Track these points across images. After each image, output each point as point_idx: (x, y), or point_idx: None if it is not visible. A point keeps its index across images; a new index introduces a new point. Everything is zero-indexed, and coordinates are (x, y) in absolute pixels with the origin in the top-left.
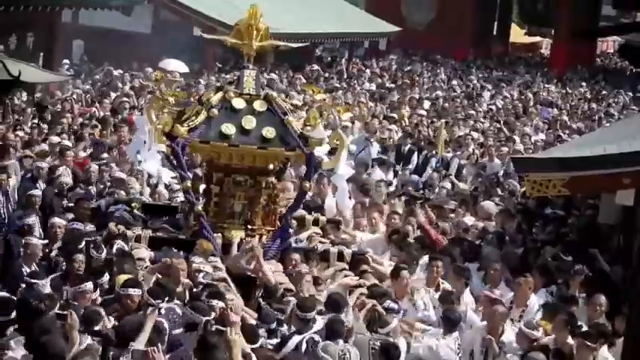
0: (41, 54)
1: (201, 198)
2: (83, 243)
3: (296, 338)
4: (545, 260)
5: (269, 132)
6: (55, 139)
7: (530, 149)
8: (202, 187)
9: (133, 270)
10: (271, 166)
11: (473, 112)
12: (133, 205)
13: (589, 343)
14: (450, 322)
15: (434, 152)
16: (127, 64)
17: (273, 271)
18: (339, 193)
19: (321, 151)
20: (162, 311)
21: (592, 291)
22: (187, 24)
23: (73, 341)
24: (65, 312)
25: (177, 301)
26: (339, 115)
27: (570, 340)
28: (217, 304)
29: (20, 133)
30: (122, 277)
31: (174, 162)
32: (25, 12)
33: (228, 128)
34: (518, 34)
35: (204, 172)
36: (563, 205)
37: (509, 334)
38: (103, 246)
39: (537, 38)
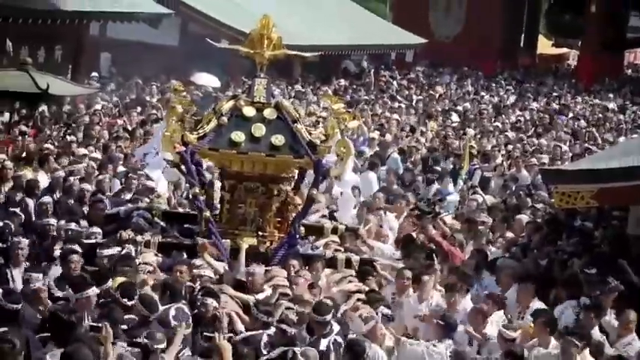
0: (69, 67)
1: (216, 204)
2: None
3: (324, 341)
4: (572, 272)
5: (278, 139)
6: (82, 150)
7: (558, 161)
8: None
9: (132, 274)
10: (284, 174)
11: (500, 124)
12: (153, 212)
13: (573, 345)
14: (447, 327)
15: (462, 165)
16: (155, 76)
17: (276, 277)
18: (343, 199)
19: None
20: (173, 312)
21: (622, 305)
22: (215, 36)
23: (108, 353)
24: (99, 324)
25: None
26: (345, 123)
27: (553, 341)
28: (211, 302)
29: (49, 146)
30: (118, 280)
31: (184, 169)
32: (53, 25)
33: (238, 136)
34: (545, 46)
35: (217, 180)
36: (592, 217)
37: (492, 328)
38: (110, 245)
39: (564, 49)
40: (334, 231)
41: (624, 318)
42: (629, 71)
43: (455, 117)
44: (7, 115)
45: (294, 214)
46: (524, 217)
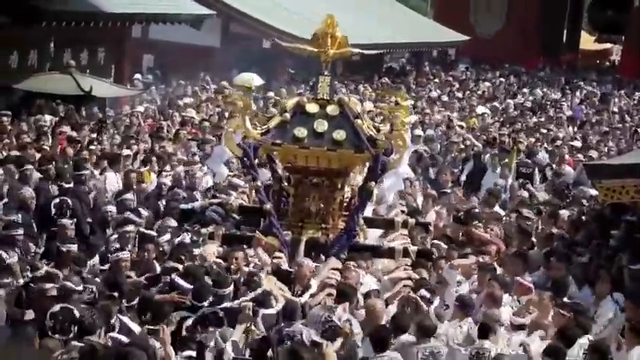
0: (112, 69)
1: (286, 199)
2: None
3: None
4: (618, 267)
5: (340, 135)
6: (125, 152)
7: (605, 156)
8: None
9: (186, 261)
10: (347, 168)
11: (544, 120)
12: (227, 207)
13: (564, 312)
14: (464, 306)
15: (509, 160)
16: (197, 77)
17: (330, 268)
18: (391, 186)
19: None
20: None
21: None
22: (257, 37)
23: (169, 355)
24: (157, 327)
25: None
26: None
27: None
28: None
29: (94, 147)
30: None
31: (246, 163)
32: (95, 28)
33: (301, 131)
34: (587, 42)
35: (283, 175)
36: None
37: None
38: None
39: (607, 45)
40: (404, 225)
41: None
42: None
43: (496, 113)
44: (47, 117)
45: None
46: (565, 213)
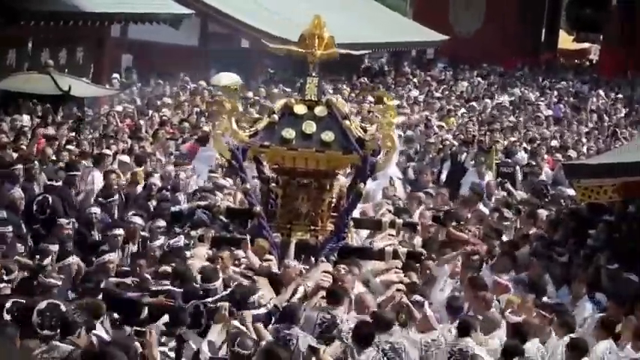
0: (91, 69)
1: (274, 200)
2: None
3: None
4: (596, 267)
5: (328, 136)
6: (106, 151)
7: (583, 156)
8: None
9: (180, 264)
10: (336, 170)
11: (522, 119)
12: (214, 210)
13: (545, 314)
14: (452, 309)
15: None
16: (177, 77)
17: (321, 271)
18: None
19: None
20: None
21: None
22: (236, 36)
23: (154, 357)
24: (144, 329)
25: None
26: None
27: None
28: None
29: (72, 147)
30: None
31: (236, 165)
32: (74, 27)
33: (289, 133)
34: (566, 41)
35: (271, 176)
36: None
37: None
38: (158, 235)
39: (586, 44)
40: (392, 225)
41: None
42: None
43: (475, 113)
44: (25, 117)
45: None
46: (544, 213)
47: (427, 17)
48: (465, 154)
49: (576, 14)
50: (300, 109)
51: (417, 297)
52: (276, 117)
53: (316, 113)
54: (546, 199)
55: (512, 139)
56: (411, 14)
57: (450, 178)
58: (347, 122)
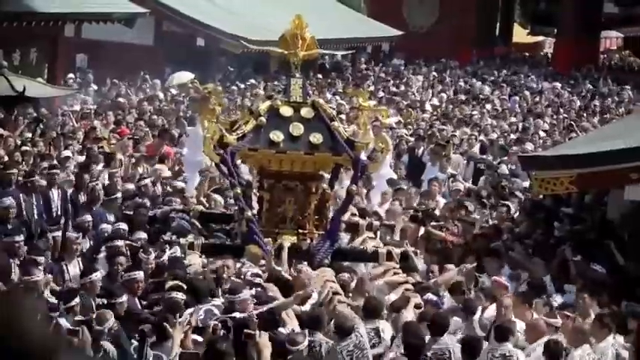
0: (45, 69)
1: (255, 204)
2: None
3: None
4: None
5: (316, 138)
6: (65, 152)
7: (539, 148)
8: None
9: (184, 276)
10: (322, 172)
11: (477, 113)
12: (190, 214)
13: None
14: (467, 309)
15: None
16: (131, 76)
17: (322, 277)
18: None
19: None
20: (202, 313)
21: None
22: (190, 35)
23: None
24: (77, 327)
25: (216, 301)
26: (385, 118)
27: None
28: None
29: (27, 148)
30: (171, 283)
31: (224, 169)
32: (28, 27)
33: (277, 135)
34: (520, 34)
35: (256, 179)
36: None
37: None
38: (151, 250)
39: (540, 38)
40: (369, 227)
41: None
42: (604, 57)
43: (431, 107)
44: None
45: (331, 211)
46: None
47: (382, 14)
48: (422, 148)
49: (530, 7)
50: (286, 110)
51: (430, 296)
52: (263, 120)
53: (303, 115)
54: (505, 192)
55: (468, 132)
56: (365, 10)
57: (410, 173)
58: (335, 123)
